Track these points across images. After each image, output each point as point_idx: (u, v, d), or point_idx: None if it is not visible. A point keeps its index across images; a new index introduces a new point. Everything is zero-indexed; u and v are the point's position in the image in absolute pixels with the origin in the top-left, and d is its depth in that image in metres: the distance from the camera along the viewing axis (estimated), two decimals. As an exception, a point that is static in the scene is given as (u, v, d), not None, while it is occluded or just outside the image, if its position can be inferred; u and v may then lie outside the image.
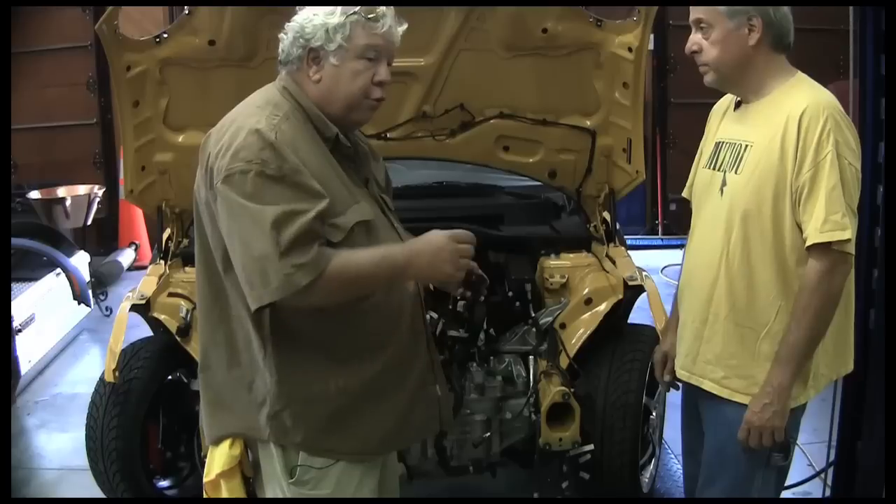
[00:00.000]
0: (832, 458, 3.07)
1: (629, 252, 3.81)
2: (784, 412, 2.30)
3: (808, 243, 2.23)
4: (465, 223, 3.70)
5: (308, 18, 2.21)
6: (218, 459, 2.30)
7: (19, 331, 5.17)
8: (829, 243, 2.21)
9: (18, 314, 5.17)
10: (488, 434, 3.35)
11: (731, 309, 2.36)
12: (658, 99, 8.63)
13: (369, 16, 2.19)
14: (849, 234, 2.21)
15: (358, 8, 2.19)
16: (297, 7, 2.26)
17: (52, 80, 8.11)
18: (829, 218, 2.19)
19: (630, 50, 3.43)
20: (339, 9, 2.19)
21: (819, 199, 2.20)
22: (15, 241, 5.59)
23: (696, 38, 2.37)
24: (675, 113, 8.44)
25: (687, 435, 2.71)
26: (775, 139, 2.26)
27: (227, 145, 2.12)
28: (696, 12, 2.35)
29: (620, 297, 3.44)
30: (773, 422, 2.29)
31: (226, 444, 2.30)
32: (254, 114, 2.17)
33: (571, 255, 3.68)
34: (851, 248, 2.23)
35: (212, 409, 2.35)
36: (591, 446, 3.34)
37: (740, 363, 2.37)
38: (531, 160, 3.89)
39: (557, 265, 3.63)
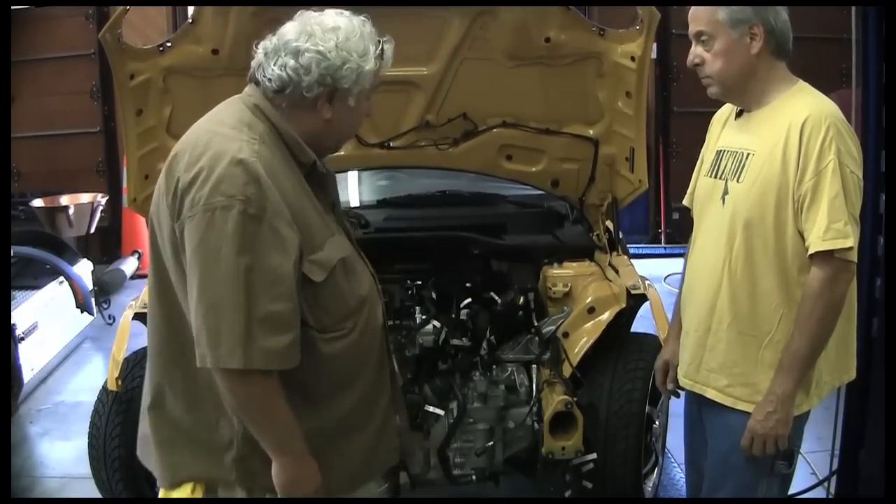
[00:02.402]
0: (835, 466, 3.07)
1: (632, 261, 3.80)
2: (787, 420, 2.30)
3: (811, 251, 2.23)
4: (467, 232, 3.73)
5: (342, 58, 2.01)
6: None
7: (22, 339, 5.16)
8: (832, 251, 2.21)
9: (21, 322, 5.17)
10: (491, 443, 3.35)
11: (734, 317, 2.36)
12: (661, 108, 8.62)
13: (385, 53, 2.09)
14: (851, 241, 2.21)
15: (380, 49, 2.07)
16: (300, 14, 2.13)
17: (56, 88, 8.12)
18: (831, 226, 2.19)
19: (633, 59, 3.44)
20: (370, 51, 2.04)
21: (821, 207, 2.20)
22: (18, 249, 5.61)
23: (697, 51, 2.36)
24: (678, 122, 8.43)
25: (689, 444, 2.70)
26: (777, 147, 2.27)
27: (205, 174, 1.93)
28: (696, 25, 2.34)
29: (623, 305, 3.43)
30: (776, 430, 2.30)
31: (186, 488, 2.17)
32: (232, 137, 1.99)
33: (574, 264, 3.67)
34: (854, 256, 2.24)
35: (166, 450, 2.18)
36: (594, 455, 3.33)
37: (743, 371, 2.37)
38: (534, 169, 3.88)
39: (560, 274, 3.62)
